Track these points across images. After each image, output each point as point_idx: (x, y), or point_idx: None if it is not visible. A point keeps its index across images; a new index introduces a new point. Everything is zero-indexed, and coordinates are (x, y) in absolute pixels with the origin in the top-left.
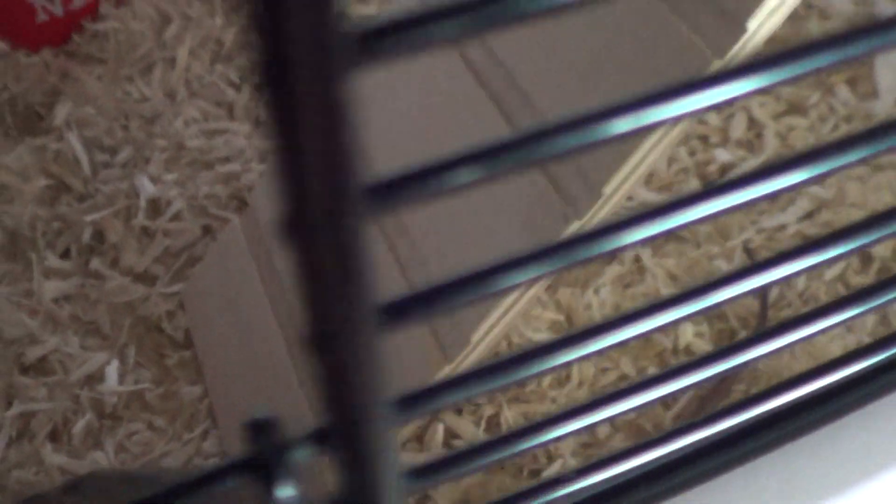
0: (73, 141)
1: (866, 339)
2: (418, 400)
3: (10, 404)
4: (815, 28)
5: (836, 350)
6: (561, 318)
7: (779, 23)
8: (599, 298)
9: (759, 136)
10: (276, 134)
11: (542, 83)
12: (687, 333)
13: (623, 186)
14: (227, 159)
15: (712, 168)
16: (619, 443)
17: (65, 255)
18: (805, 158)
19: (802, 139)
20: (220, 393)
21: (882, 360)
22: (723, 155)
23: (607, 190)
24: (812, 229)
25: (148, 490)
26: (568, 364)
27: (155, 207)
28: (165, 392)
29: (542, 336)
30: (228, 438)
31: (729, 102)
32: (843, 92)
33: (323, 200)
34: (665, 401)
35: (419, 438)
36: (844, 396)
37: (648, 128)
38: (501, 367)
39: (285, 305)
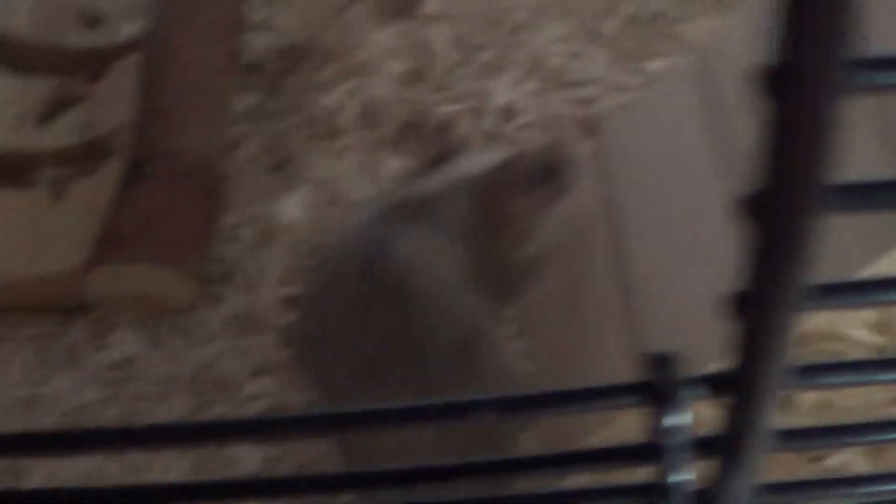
0: (441, 32)
1: None
2: (815, 374)
3: None
4: None
5: None
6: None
7: None
8: None
9: None
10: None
11: None
12: None
13: None
14: (584, 82)
15: None
16: None
17: (408, 136)
18: None
19: None
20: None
21: None
22: None
23: None
24: None
25: None
26: None
27: (506, 113)
28: None
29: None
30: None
31: None
32: None
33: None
34: None
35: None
36: None
37: None
38: None
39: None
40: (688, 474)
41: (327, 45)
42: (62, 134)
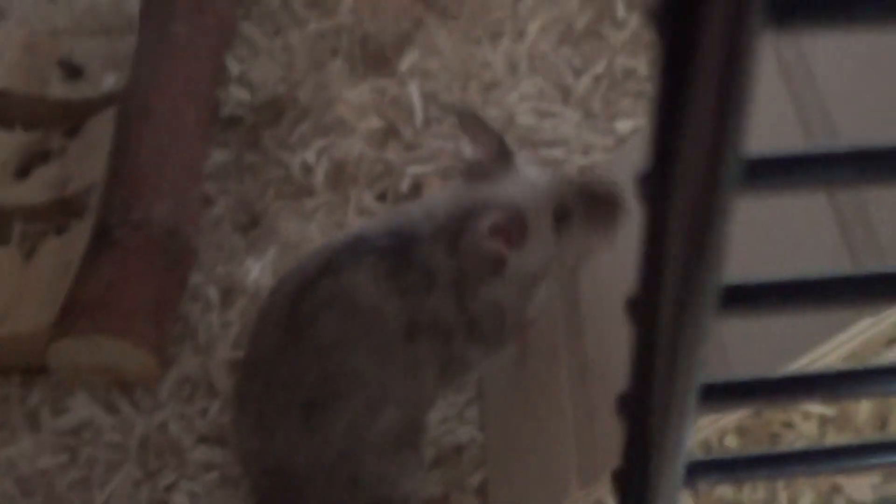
0: (413, 90)
1: None
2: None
3: None
4: None
5: None
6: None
7: None
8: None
9: None
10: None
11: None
12: None
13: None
14: (552, 142)
15: None
16: None
17: (381, 197)
18: None
19: None
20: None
21: None
22: None
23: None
24: None
25: None
26: None
27: None
28: None
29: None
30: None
31: None
32: None
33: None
34: None
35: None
36: None
37: None
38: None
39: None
40: None
41: (304, 101)
42: (36, 189)
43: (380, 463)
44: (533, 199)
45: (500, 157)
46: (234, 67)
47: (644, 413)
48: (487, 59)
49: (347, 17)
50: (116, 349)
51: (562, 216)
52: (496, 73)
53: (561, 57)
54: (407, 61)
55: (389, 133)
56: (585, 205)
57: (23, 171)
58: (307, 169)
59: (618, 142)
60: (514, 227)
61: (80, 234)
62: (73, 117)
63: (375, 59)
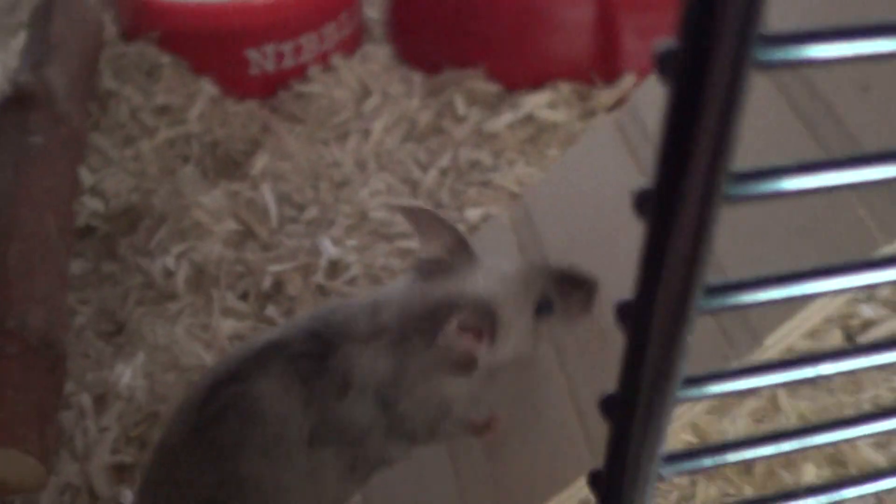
0: (266, 192)
1: None
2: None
3: None
4: None
5: None
6: (695, 440)
7: None
8: (735, 428)
9: None
10: None
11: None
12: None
13: (784, 341)
14: (405, 235)
15: (855, 322)
16: None
17: (243, 297)
18: None
19: None
20: None
21: None
22: (867, 311)
23: (768, 342)
24: None
25: None
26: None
27: (334, 269)
28: None
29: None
30: None
31: None
32: None
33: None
34: None
35: None
36: None
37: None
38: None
39: None
40: None
41: (159, 208)
42: None
43: None
44: (505, 292)
45: (459, 249)
46: (87, 178)
47: (629, 413)
48: (336, 158)
49: (196, 124)
50: (1, 458)
51: (543, 306)
52: (345, 171)
53: (406, 153)
54: (258, 165)
55: (246, 234)
56: (562, 293)
57: None
58: (168, 273)
59: (470, 230)
60: (485, 325)
61: None
62: None
63: (226, 164)
